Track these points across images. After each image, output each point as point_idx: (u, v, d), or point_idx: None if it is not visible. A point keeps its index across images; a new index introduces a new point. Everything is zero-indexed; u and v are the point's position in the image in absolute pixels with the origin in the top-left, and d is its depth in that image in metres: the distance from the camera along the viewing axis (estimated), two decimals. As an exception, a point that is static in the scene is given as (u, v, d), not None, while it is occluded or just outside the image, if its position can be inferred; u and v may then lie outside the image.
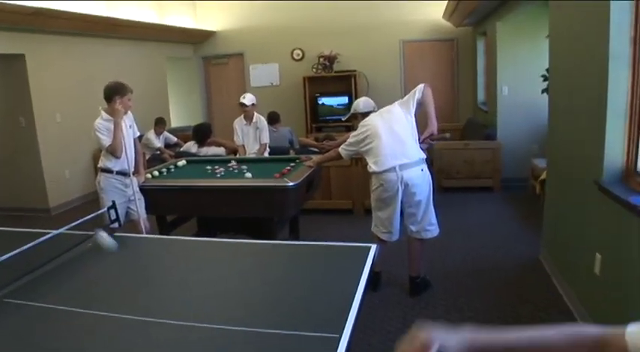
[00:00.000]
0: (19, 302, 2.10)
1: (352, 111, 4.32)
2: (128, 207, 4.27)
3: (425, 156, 3.95)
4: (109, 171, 4.22)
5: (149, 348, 1.76)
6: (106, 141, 4.10)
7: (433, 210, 4.01)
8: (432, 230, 4.02)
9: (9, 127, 7.01)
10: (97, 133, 4.11)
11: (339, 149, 4.19)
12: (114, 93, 4.12)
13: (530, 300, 3.82)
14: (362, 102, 4.28)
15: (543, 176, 5.21)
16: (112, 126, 4.09)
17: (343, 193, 6.36)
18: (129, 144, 4.22)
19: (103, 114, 4.17)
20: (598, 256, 3.03)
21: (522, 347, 1.06)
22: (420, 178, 3.87)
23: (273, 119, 6.98)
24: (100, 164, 4.29)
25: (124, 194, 4.23)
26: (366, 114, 4.13)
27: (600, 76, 2.93)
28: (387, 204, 3.92)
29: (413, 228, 3.98)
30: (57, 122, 7.21)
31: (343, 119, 4.97)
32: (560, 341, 1.02)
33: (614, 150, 2.93)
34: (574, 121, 3.63)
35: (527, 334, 1.05)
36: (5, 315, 2.00)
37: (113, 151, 4.11)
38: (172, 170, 5.01)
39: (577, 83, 3.56)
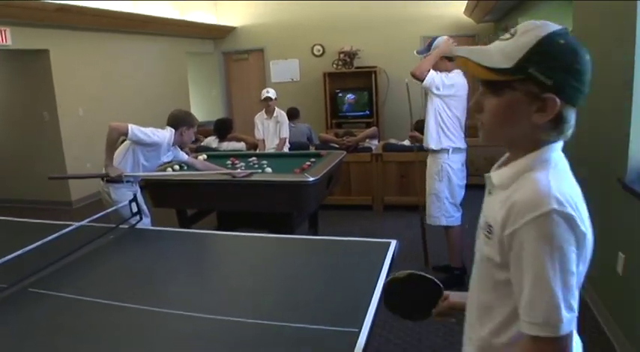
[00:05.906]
0: (42, 291, 2.14)
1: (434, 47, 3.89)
2: None
3: (432, 147, 3.90)
4: (117, 180, 3.89)
5: (167, 339, 1.78)
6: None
7: (437, 203, 3.96)
8: (433, 219, 4.03)
9: (33, 121, 7.12)
10: (139, 133, 3.70)
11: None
12: (180, 123, 3.91)
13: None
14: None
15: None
16: (152, 146, 3.81)
17: (363, 189, 6.34)
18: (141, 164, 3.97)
19: (166, 133, 3.84)
20: (621, 255, 2.98)
21: None
22: (429, 165, 4.02)
23: (292, 115, 6.99)
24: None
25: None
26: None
27: (625, 72, 2.88)
28: None
29: None
30: (79, 116, 7.29)
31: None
32: None
33: (639, 148, 2.88)
34: (598, 119, 3.57)
35: None
36: (29, 304, 2.04)
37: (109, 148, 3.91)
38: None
39: (601, 80, 3.49)
